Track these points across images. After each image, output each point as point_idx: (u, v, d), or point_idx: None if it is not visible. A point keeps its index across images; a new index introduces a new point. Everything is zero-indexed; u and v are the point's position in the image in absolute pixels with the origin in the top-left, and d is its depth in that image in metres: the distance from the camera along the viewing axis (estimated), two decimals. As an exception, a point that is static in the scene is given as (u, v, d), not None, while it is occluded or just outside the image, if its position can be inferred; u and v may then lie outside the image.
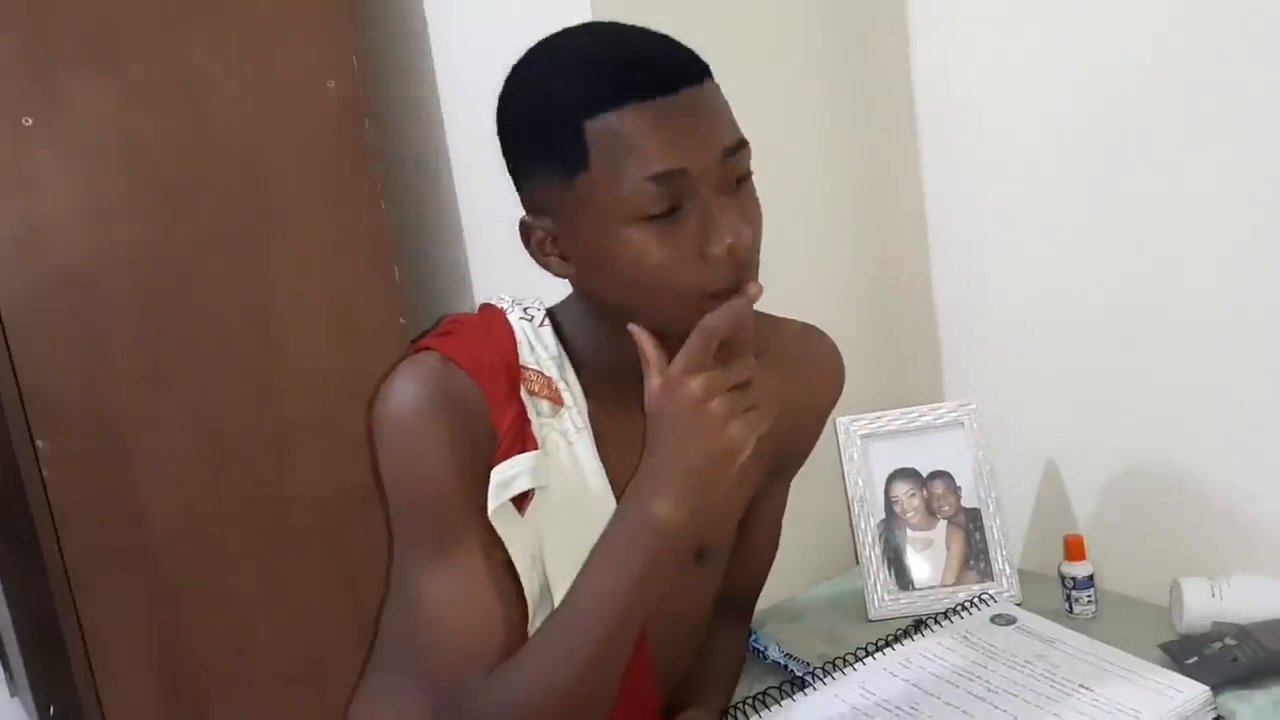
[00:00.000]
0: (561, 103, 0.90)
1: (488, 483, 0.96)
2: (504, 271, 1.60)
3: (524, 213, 0.97)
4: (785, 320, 1.13)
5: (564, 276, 0.97)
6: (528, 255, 0.97)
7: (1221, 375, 1.31)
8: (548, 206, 0.94)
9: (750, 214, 0.93)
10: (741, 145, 0.92)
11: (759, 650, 1.36)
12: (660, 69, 0.89)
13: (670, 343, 0.91)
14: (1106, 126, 1.36)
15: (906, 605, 1.43)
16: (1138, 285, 1.37)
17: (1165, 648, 1.22)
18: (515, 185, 0.97)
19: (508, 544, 0.97)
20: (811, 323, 1.16)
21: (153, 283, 1.47)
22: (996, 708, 1.10)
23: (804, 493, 1.50)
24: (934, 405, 1.49)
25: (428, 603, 0.96)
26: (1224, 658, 1.16)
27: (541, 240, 0.95)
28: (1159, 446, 1.40)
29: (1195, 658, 1.18)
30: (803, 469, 1.34)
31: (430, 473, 0.95)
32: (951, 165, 1.56)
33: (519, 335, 1.02)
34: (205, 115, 1.50)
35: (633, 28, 0.94)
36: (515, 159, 0.96)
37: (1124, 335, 1.40)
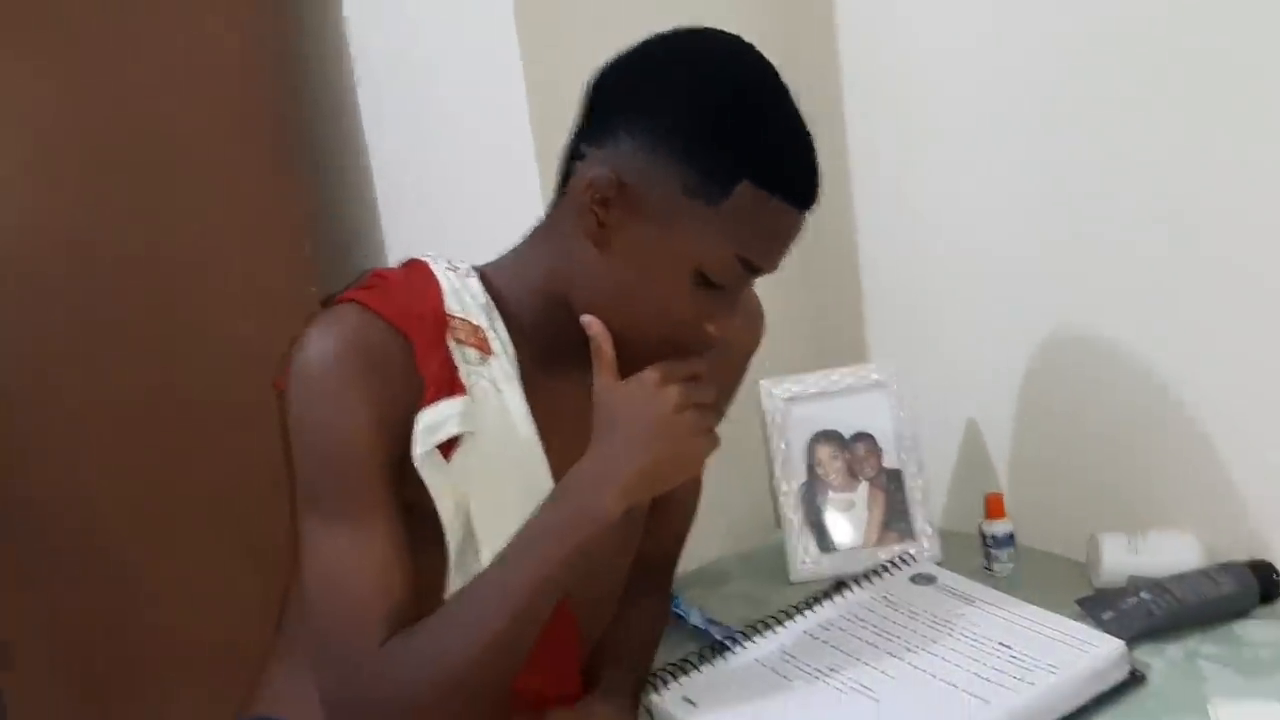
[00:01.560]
0: (746, 150, 0.93)
1: (406, 436, 0.94)
2: (421, 241, 1.57)
3: (594, 148, 0.96)
4: None
5: (589, 238, 0.96)
6: (563, 193, 0.99)
7: (1140, 335, 1.32)
8: (641, 184, 0.93)
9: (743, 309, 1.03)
10: None
11: (681, 616, 1.35)
12: (810, 188, 0.96)
13: (565, 324, 0.98)
14: (1033, 82, 1.35)
15: (828, 567, 1.43)
16: (1060, 248, 1.37)
17: (1082, 603, 1.22)
18: (605, 119, 0.96)
19: (432, 491, 0.95)
20: None
21: (49, 254, 1.41)
22: (915, 667, 1.10)
23: (726, 457, 1.49)
24: (857, 367, 1.48)
25: (322, 568, 0.94)
26: (1140, 611, 1.17)
27: (602, 192, 0.94)
28: (1078, 405, 1.40)
29: (1111, 612, 1.18)
30: (726, 432, 1.33)
31: (340, 430, 0.93)
32: (875, 125, 1.55)
33: (445, 285, 1.01)
34: (103, 81, 1.43)
35: (806, 127, 0.98)
36: (648, 116, 0.94)
37: (1043, 296, 1.40)
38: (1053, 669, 1.07)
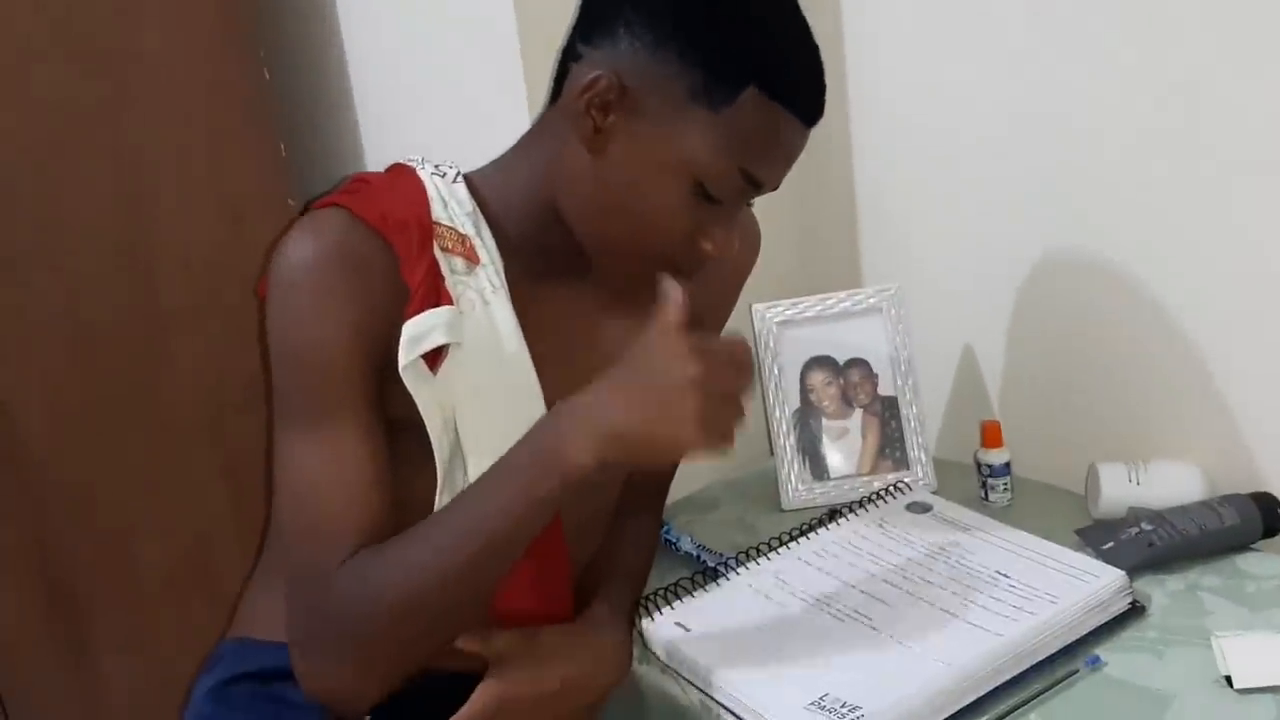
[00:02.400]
0: (754, 56, 0.88)
1: (390, 348, 0.90)
2: (403, 144, 1.51)
3: (592, 48, 0.92)
4: None
5: (583, 143, 0.92)
6: (556, 97, 0.95)
7: (1141, 262, 1.28)
8: (643, 87, 0.89)
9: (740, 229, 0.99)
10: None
11: (671, 542, 1.31)
12: (816, 102, 0.94)
13: (559, 237, 0.96)
14: (1033, 4, 1.30)
15: (821, 495, 1.40)
16: (1059, 173, 1.33)
17: (1081, 533, 1.20)
18: (608, 18, 0.91)
19: (419, 401, 0.92)
20: None
21: (10, 159, 1.33)
22: (911, 594, 1.08)
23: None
24: (852, 291, 1.44)
25: (294, 478, 0.90)
26: (1140, 542, 1.15)
27: (602, 96, 0.90)
28: (1077, 333, 1.37)
29: (1111, 543, 1.16)
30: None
31: (317, 336, 0.89)
32: (872, 40, 1.49)
33: (431, 191, 0.97)
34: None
35: (814, 41, 0.95)
36: (652, 16, 0.89)
37: (1043, 221, 1.37)
38: (1052, 599, 1.04)
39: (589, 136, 0.91)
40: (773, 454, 1.43)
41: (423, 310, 0.91)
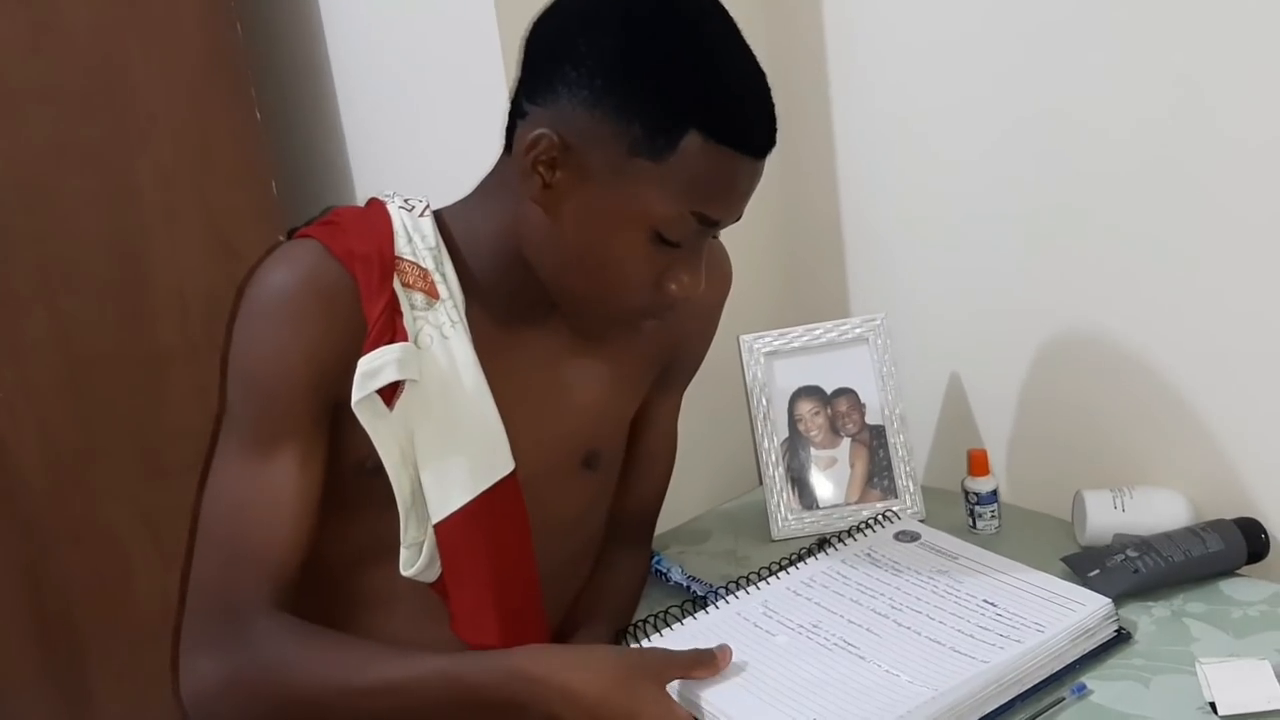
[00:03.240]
0: (689, 100, 0.87)
1: (346, 380, 0.92)
2: (394, 182, 1.52)
3: (536, 106, 0.91)
4: None
5: (531, 199, 0.92)
6: (510, 150, 0.95)
7: (1123, 289, 1.30)
8: (583, 143, 0.89)
9: (706, 265, 0.97)
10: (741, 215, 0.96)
11: (662, 573, 1.32)
12: (763, 134, 0.92)
13: (523, 279, 0.96)
14: (1020, 40, 1.32)
15: (810, 524, 1.40)
16: (1043, 198, 1.35)
17: (1068, 560, 1.21)
18: (546, 76, 0.90)
19: (374, 437, 0.93)
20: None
21: (6, 199, 1.34)
22: (899, 624, 1.09)
23: (708, 413, 1.47)
24: (839, 321, 1.45)
25: (225, 492, 0.93)
26: (1126, 569, 1.16)
27: (546, 155, 0.90)
28: (1062, 360, 1.38)
29: (1097, 570, 1.17)
30: (707, 389, 1.30)
31: (276, 361, 0.91)
32: (858, 73, 1.51)
33: (397, 225, 0.97)
34: (57, 15, 1.37)
35: (756, 61, 0.93)
36: (586, 73, 0.88)
37: (1028, 249, 1.38)
38: (1039, 627, 1.05)
39: (540, 195, 0.91)
40: (761, 484, 1.44)
41: (378, 345, 0.93)
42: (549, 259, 0.95)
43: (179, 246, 1.47)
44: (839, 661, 1.04)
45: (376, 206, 1.00)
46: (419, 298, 0.96)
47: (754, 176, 0.93)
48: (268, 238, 1.53)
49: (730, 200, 0.93)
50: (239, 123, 1.51)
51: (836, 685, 1.00)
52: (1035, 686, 1.02)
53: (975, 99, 1.38)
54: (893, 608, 1.11)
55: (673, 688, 0.98)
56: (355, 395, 0.91)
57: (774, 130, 0.93)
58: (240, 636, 0.91)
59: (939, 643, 1.05)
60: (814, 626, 1.10)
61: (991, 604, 1.10)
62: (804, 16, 1.52)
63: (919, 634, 1.07)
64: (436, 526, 0.97)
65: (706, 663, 0.95)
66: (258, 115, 1.53)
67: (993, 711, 0.99)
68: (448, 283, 0.97)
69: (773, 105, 0.93)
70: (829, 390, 1.44)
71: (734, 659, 1.00)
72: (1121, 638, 1.08)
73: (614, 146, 0.88)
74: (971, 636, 1.05)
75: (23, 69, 1.34)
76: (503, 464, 0.99)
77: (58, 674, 1.43)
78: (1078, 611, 1.07)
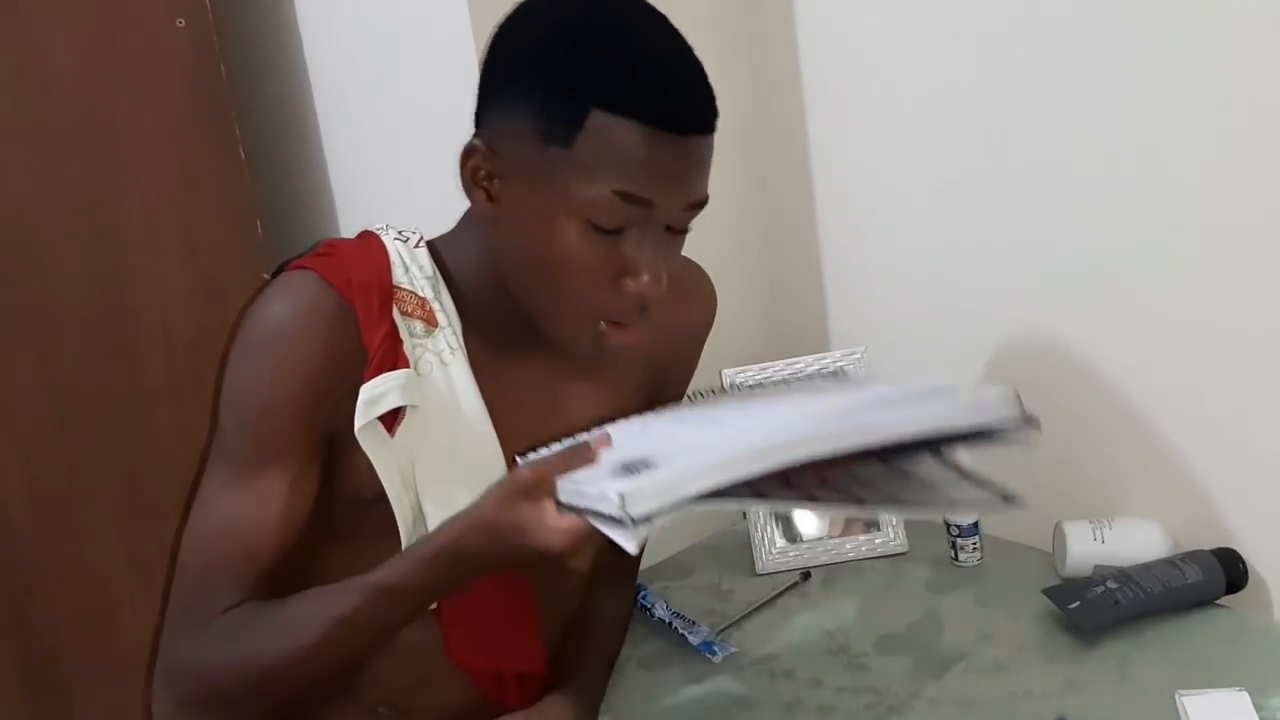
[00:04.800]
0: (579, 73, 0.87)
1: (344, 409, 0.92)
2: (376, 220, 1.53)
3: (479, 127, 0.93)
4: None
5: (481, 215, 0.94)
6: (459, 176, 0.94)
7: (1104, 323, 1.32)
8: (506, 145, 0.91)
9: (669, 263, 0.93)
10: (703, 203, 0.92)
11: (646, 608, 1.33)
12: (685, 111, 0.89)
13: (511, 308, 0.94)
14: (994, 72, 1.34)
15: (795, 558, 1.41)
16: (1022, 232, 1.37)
17: (1049, 592, 1.22)
18: (481, 93, 0.93)
19: (376, 464, 0.94)
20: (694, 260, 1.14)
21: (-9, 240, 1.35)
22: (771, 400, 0.98)
23: (690, 447, 1.47)
24: (819, 354, 1.46)
25: (209, 515, 0.94)
26: (1106, 601, 1.17)
27: (479, 169, 0.92)
28: (1041, 393, 1.38)
29: (1078, 602, 1.18)
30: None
31: (275, 386, 0.92)
32: (835, 111, 1.53)
33: (393, 256, 0.99)
34: (40, 56, 1.38)
35: (682, 44, 0.91)
36: (504, 77, 0.91)
37: (1007, 284, 1.40)
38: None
39: (486, 209, 0.93)
40: (745, 517, 1.44)
41: (380, 373, 0.93)
42: (511, 276, 0.95)
43: (164, 286, 1.47)
44: (695, 418, 0.96)
45: (371, 238, 1.01)
46: (418, 326, 0.97)
47: (683, 155, 0.89)
48: (254, 277, 1.53)
49: (657, 179, 0.88)
50: (223, 162, 1.52)
51: (679, 438, 0.90)
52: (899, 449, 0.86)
53: (955, 134, 1.40)
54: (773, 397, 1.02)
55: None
56: (358, 422, 0.92)
57: (701, 105, 0.90)
58: (217, 667, 0.92)
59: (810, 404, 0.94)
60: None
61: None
62: (781, 50, 1.54)
63: (791, 401, 0.97)
64: None
65: (580, 453, 0.86)
66: (242, 154, 1.54)
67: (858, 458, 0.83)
68: (445, 310, 0.98)
69: (698, 82, 0.91)
70: (812, 424, 1.45)
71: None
72: (1025, 424, 0.93)
73: (529, 142, 0.89)
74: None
75: (6, 110, 1.35)
76: None
77: (44, 713, 1.43)
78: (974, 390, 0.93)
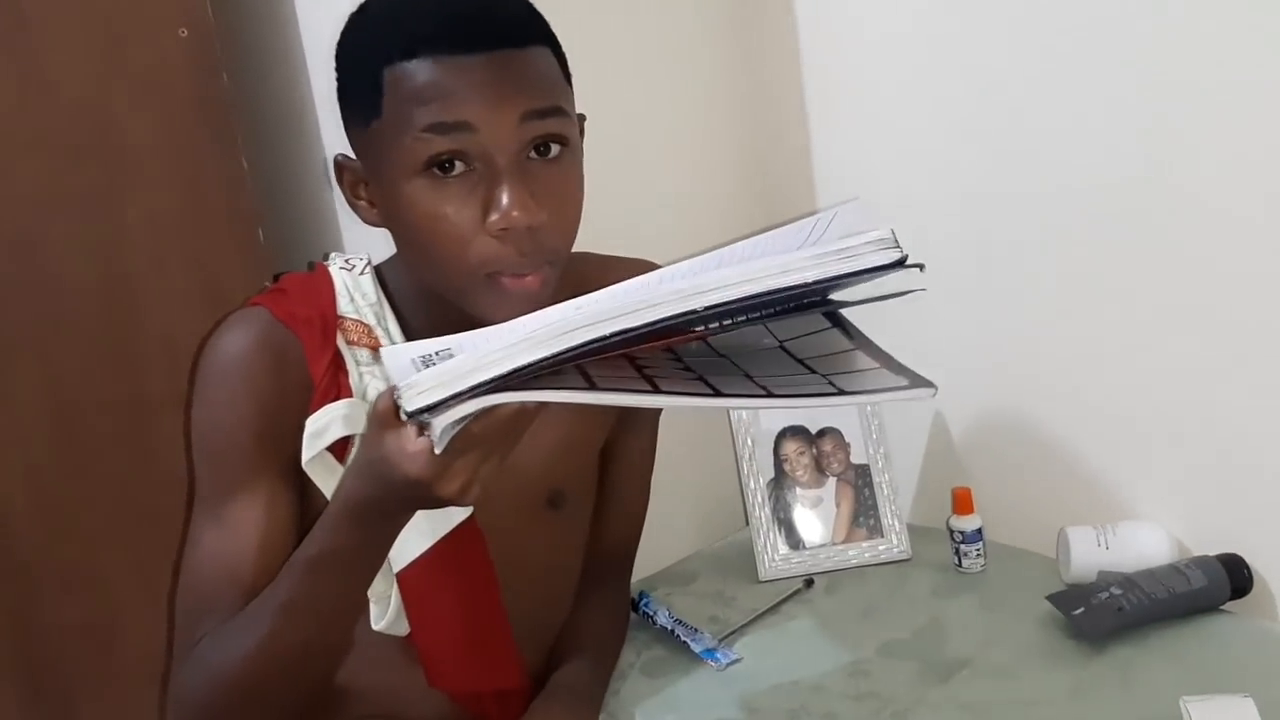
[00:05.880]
0: (367, 47, 0.90)
1: (297, 439, 0.94)
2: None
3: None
4: (615, 259, 1.11)
5: (374, 224, 0.96)
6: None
7: (1108, 327, 1.31)
8: (357, 149, 0.94)
9: (552, 192, 0.88)
10: (550, 113, 0.88)
11: (649, 615, 1.32)
12: (466, 27, 0.87)
13: (455, 315, 0.89)
14: (991, 63, 1.34)
15: (798, 565, 1.41)
16: (1024, 236, 1.37)
17: (1053, 599, 1.22)
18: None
19: (328, 495, 0.94)
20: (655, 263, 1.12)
21: (-7, 249, 1.35)
22: None
23: (694, 454, 1.48)
24: (822, 361, 1.46)
25: (189, 555, 0.97)
26: (1110, 607, 1.17)
27: (352, 183, 0.96)
28: (1044, 398, 1.39)
29: (1082, 608, 1.18)
30: (693, 430, 1.31)
31: (227, 424, 0.95)
32: (838, 113, 1.53)
33: (338, 286, 1.01)
34: (42, 66, 1.38)
35: None
36: (338, 99, 0.95)
37: (1012, 288, 1.40)
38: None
39: (371, 216, 0.96)
40: (748, 524, 1.44)
41: (323, 404, 0.95)
42: (416, 270, 0.96)
43: (167, 294, 1.47)
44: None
45: (320, 270, 1.04)
46: (364, 353, 0.99)
47: (491, 71, 0.85)
48: (256, 284, 1.53)
49: (465, 101, 0.85)
50: (226, 170, 1.52)
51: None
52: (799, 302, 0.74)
53: (956, 130, 1.40)
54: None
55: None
56: (305, 455, 0.94)
57: (493, 18, 0.88)
58: (195, 698, 0.93)
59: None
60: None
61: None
62: (781, 46, 1.54)
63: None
64: (399, 576, 0.98)
65: None
66: (244, 163, 1.54)
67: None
68: (390, 336, 1.00)
69: (486, 4, 0.89)
70: (814, 430, 1.45)
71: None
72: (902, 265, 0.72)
73: (359, 130, 0.92)
74: None
75: (9, 117, 1.36)
76: (458, 510, 0.99)
77: (45, 722, 1.43)
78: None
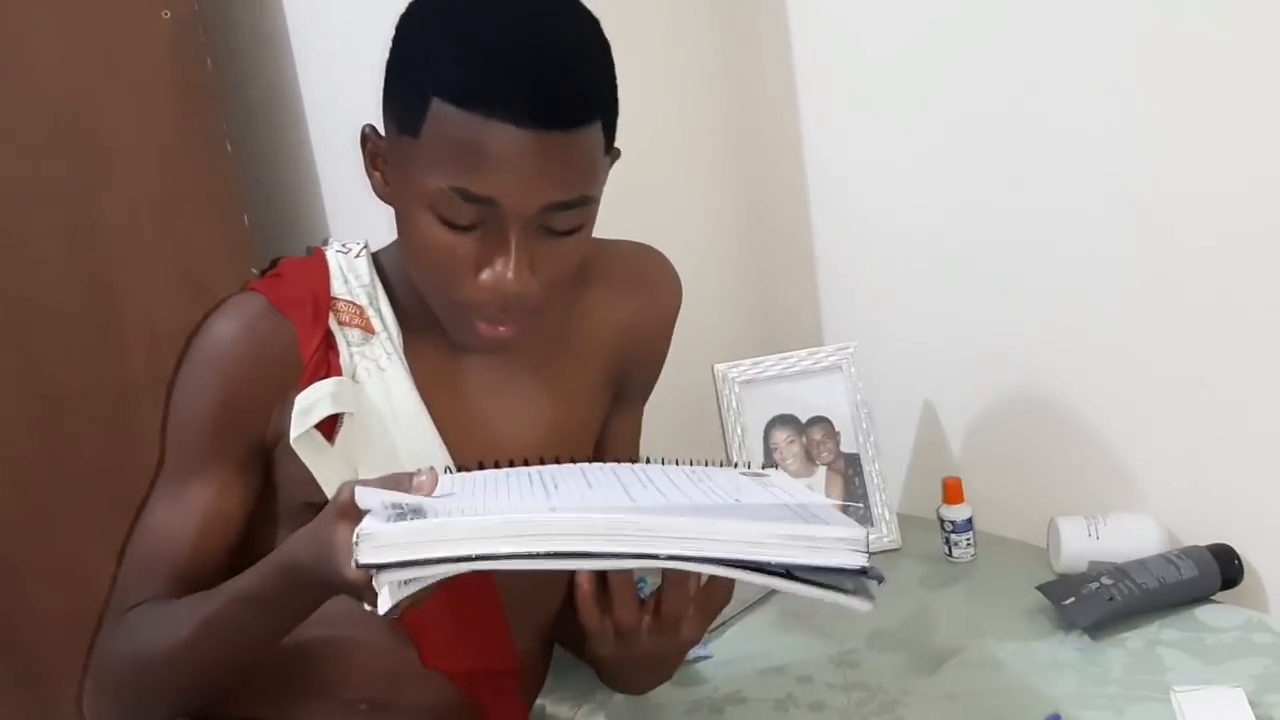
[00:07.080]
0: (430, 56, 0.85)
1: (278, 422, 0.96)
2: (362, 216, 1.52)
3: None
4: (613, 241, 1.10)
5: (383, 199, 0.95)
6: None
7: (1097, 318, 1.31)
8: (387, 135, 0.92)
9: (553, 263, 0.90)
10: (575, 204, 0.88)
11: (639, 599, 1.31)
12: (533, 103, 0.83)
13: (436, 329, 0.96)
14: (987, 64, 1.33)
15: (787, 554, 1.40)
16: (1014, 228, 1.36)
17: (1043, 589, 1.21)
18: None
19: (315, 472, 0.96)
20: (654, 247, 1.14)
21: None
22: (616, 475, 0.89)
23: (683, 442, 1.46)
24: (812, 350, 1.45)
25: (142, 522, 0.99)
26: (1100, 597, 1.16)
27: (373, 155, 0.95)
28: (1035, 388, 1.39)
29: (1072, 598, 1.17)
30: (682, 418, 1.30)
31: (193, 411, 0.97)
32: (829, 105, 1.52)
33: (333, 268, 1.02)
34: (24, 48, 1.36)
35: (547, 29, 0.86)
36: (387, 62, 0.91)
37: (1001, 277, 1.39)
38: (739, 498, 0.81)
39: (382, 190, 0.95)
40: (738, 514, 1.43)
41: (313, 383, 0.96)
42: (409, 267, 0.96)
43: (148, 281, 1.46)
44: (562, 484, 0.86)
45: (317, 253, 1.04)
46: (355, 334, 0.99)
47: (534, 152, 0.83)
48: (240, 270, 1.52)
49: (500, 177, 0.84)
50: (210, 156, 1.50)
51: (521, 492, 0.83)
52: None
53: (950, 130, 1.39)
54: (625, 471, 0.91)
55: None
56: (294, 432, 0.94)
57: (557, 98, 0.84)
58: (116, 665, 0.96)
59: (631, 490, 0.84)
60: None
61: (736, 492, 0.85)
62: (774, 45, 1.53)
63: (618, 480, 0.87)
64: None
65: (399, 480, 0.81)
66: (229, 148, 1.52)
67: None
68: (383, 317, 1.00)
69: (558, 72, 0.85)
70: (804, 419, 1.44)
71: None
72: (866, 575, 0.77)
73: (391, 130, 0.91)
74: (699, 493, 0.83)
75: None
76: None
77: (31, 713, 1.42)
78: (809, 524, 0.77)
